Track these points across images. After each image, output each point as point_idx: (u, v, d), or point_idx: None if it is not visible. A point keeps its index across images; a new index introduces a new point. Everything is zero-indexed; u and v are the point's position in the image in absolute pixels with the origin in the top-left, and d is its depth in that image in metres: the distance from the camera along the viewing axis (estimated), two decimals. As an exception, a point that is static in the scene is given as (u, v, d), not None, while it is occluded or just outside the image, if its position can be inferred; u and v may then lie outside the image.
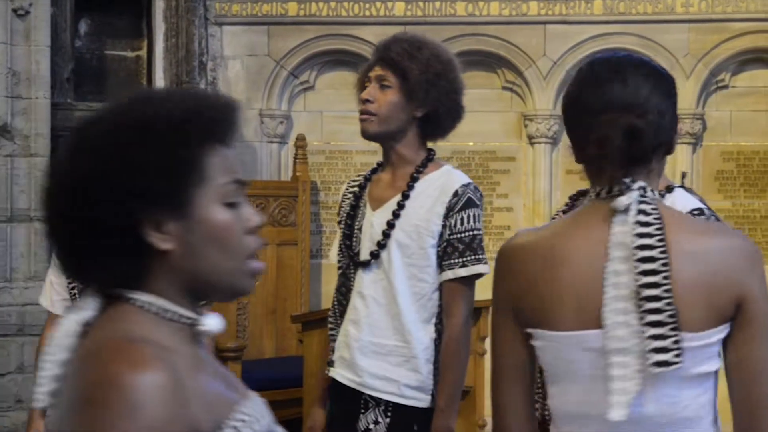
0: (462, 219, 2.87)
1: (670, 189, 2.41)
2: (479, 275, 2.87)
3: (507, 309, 1.81)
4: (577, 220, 1.79)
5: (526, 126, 6.04)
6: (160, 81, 5.96)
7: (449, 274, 2.86)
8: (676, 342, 1.64)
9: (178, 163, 1.26)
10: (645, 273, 1.66)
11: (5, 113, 5.07)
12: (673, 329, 1.64)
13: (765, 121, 5.90)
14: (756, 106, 5.91)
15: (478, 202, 2.89)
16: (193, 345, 1.31)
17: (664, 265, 1.66)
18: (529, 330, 1.76)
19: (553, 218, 2.72)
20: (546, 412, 2.15)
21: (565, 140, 5.19)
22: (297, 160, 6.02)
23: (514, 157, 6.18)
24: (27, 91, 5.20)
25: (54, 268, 3.27)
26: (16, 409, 5.17)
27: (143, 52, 6.19)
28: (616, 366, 1.65)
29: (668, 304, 1.65)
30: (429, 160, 2.95)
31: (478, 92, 5.86)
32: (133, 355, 1.18)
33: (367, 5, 6.08)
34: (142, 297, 1.26)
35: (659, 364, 1.64)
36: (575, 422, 1.75)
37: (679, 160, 5.87)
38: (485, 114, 6.01)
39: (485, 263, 2.86)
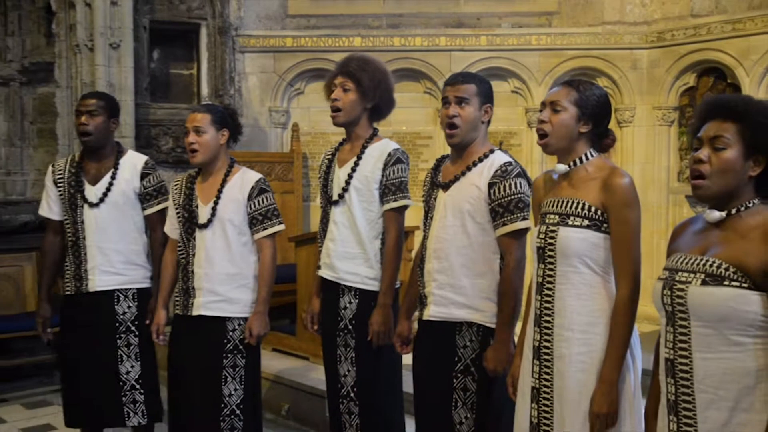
0: (394, 170, 3.10)
1: (492, 151, 2.72)
2: (405, 206, 3.14)
3: None
4: None
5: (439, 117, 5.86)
6: (204, 89, 6.63)
7: (386, 206, 3.12)
8: None
9: None
10: None
11: (106, 110, 5.28)
12: None
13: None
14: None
15: (404, 160, 3.14)
16: None
17: None
18: None
19: (424, 177, 2.83)
20: None
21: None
22: (293, 140, 6.78)
23: (431, 136, 6.99)
24: (119, 96, 5.75)
25: (170, 202, 3.39)
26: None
27: (194, 71, 6.76)
28: None
29: None
30: (374, 135, 3.22)
31: (409, 95, 6.87)
32: None
33: (337, 39, 6.88)
34: None
35: None
36: None
37: (533, 141, 6.57)
38: (413, 109, 6.93)
39: (409, 198, 3.13)
